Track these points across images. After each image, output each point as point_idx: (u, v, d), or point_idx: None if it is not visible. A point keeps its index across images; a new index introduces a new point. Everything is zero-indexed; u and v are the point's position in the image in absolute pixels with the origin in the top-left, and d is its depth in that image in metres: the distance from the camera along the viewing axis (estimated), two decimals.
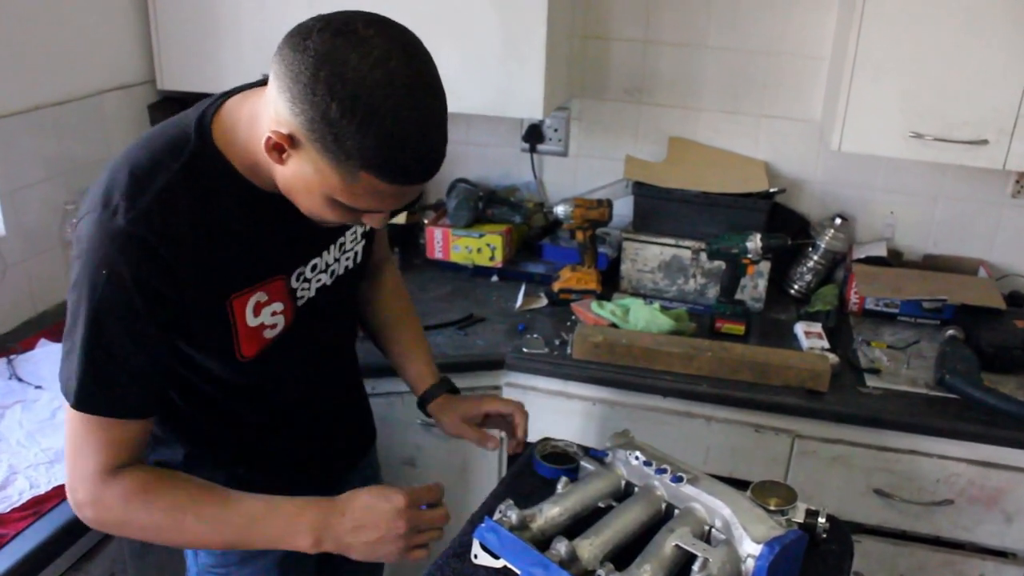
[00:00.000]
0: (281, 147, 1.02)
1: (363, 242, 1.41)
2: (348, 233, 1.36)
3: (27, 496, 1.46)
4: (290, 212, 1.13)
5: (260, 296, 1.21)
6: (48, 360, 1.87)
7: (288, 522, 1.15)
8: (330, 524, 1.16)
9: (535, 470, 1.55)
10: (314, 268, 1.29)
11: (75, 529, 1.43)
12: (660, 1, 2.40)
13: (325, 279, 1.33)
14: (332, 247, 1.32)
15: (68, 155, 2.15)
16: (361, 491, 1.20)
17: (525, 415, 1.56)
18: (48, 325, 2.03)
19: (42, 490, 1.48)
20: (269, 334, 1.25)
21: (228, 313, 1.17)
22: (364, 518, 1.17)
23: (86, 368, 1.09)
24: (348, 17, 0.99)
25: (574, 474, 1.48)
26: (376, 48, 0.96)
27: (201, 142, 1.11)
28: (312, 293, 1.31)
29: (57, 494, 1.47)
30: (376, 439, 1.66)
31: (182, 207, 1.09)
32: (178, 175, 1.09)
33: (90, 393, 1.10)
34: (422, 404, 1.59)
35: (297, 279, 1.27)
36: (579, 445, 1.59)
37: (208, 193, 1.11)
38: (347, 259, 1.38)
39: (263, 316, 1.22)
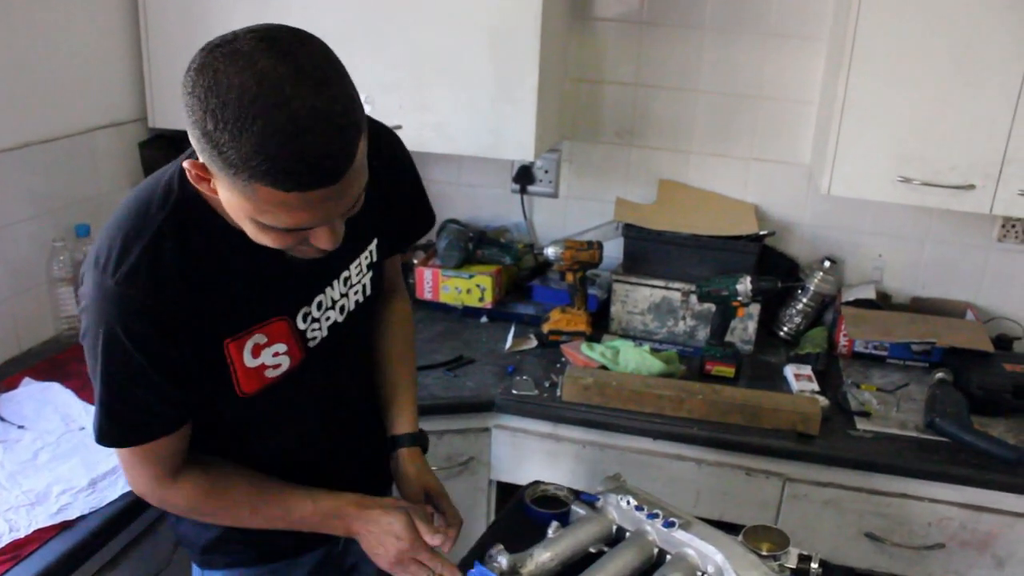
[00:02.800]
0: (200, 177, 1.01)
1: (370, 274, 1.36)
2: (352, 267, 1.31)
3: (6, 540, 1.43)
4: (278, 251, 1.10)
5: (258, 339, 1.20)
6: (31, 400, 1.84)
7: (328, 524, 1.32)
8: (354, 529, 1.31)
9: (525, 514, 1.53)
10: (320, 306, 1.27)
11: (54, 574, 1.40)
12: (651, 45, 2.43)
13: (336, 316, 1.31)
14: (336, 282, 1.29)
15: (58, 192, 2.14)
16: (386, 514, 1.30)
17: (457, 535, 1.38)
18: (33, 364, 2.01)
19: (21, 534, 1.45)
20: (271, 374, 1.23)
21: (225, 355, 1.18)
22: (376, 540, 1.30)
23: (103, 409, 1.16)
24: (237, 32, 0.95)
25: (565, 518, 1.47)
26: (246, 55, 0.91)
27: (183, 190, 1.11)
28: (324, 332, 1.29)
29: (37, 538, 1.44)
30: (391, 487, 1.54)
31: (169, 258, 1.10)
32: (164, 225, 1.10)
33: (110, 431, 1.18)
34: (393, 446, 1.46)
35: (304, 320, 1.25)
36: (569, 489, 1.58)
37: (195, 240, 1.12)
38: (355, 293, 1.34)
39: (263, 357, 1.21)
